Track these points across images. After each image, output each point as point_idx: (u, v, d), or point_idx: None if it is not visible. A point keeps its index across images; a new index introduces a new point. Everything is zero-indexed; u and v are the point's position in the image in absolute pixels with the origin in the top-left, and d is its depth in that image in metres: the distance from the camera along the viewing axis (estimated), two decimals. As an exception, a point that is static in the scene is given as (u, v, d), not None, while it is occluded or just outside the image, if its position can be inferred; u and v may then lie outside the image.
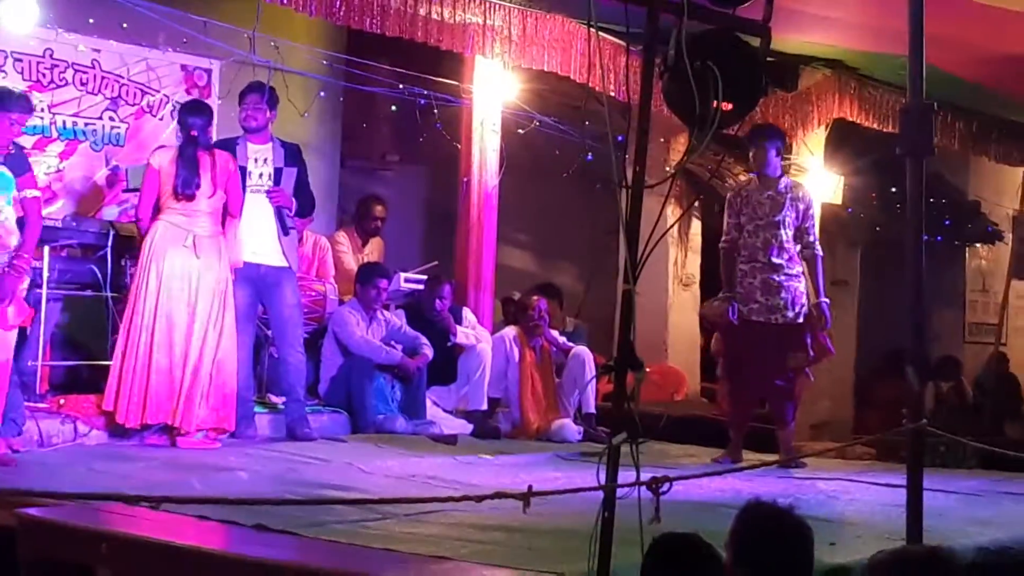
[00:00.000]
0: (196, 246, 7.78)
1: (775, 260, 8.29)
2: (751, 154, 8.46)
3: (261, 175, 8.28)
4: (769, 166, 8.39)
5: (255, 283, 8.29)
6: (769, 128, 8.99)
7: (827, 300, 8.46)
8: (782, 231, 8.29)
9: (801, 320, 8.37)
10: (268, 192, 8.27)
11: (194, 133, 7.91)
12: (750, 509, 3.89)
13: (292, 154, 8.45)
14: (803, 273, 8.45)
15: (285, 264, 8.36)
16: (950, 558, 3.71)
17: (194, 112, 8.10)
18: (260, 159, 8.30)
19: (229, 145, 8.28)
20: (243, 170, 8.22)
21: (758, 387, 8.51)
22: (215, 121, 8.33)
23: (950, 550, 3.95)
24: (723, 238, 8.56)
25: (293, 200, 8.37)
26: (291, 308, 8.43)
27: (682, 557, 3.67)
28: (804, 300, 8.40)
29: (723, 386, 8.77)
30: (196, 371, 7.75)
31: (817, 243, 8.52)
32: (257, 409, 8.44)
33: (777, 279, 8.32)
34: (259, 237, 8.27)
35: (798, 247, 8.41)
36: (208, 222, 7.88)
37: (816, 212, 8.73)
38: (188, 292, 7.75)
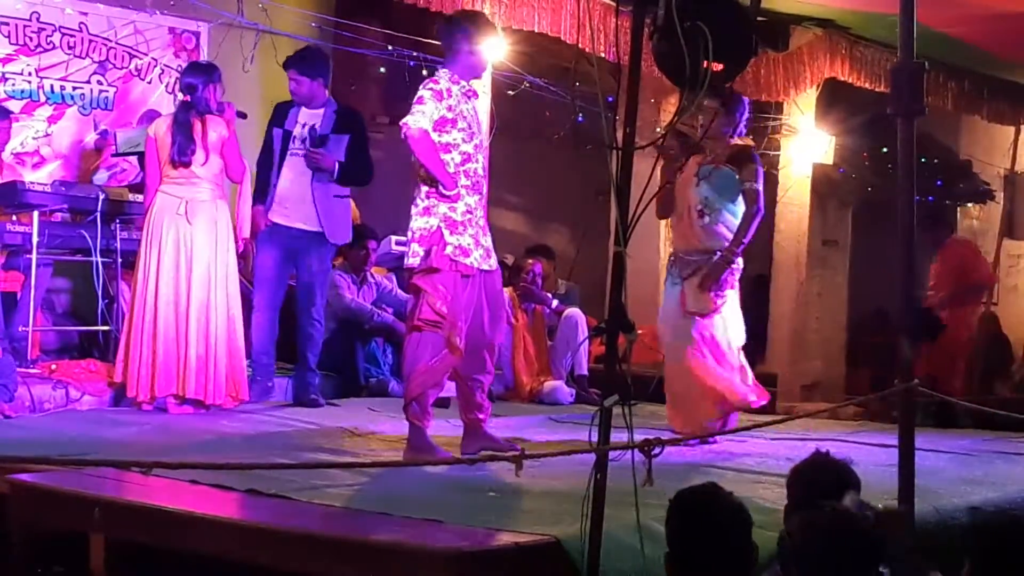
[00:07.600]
0: (188, 212, 7.68)
1: None
2: None
3: (304, 140, 8.16)
4: None
5: (283, 245, 8.22)
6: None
7: None
8: None
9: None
10: (304, 154, 8.13)
11: (187, 98, 7.82)
12: (816, 459, 4.21)
13: (345, 121, 8.31)
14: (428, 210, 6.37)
15: (318, 229, 8.22)
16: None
17: (190, 73, 7.97)
18: (307, 125, 8.18)
19: (283, 110, 8.23)
20: (289, 134, 8.17)
21: None
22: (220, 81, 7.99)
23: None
24: None
25: (336, 164, 8.17)
26: (312, 275, 8.29)
27: (709, 508, 3.65)
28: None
29: None
30: (206, 338, 7.67)
31: None
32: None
33: None
34: (293, 199, 8.17)
35: None
36: (205, 188, 7.76)
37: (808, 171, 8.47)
38: (184, 259, 7.67)
